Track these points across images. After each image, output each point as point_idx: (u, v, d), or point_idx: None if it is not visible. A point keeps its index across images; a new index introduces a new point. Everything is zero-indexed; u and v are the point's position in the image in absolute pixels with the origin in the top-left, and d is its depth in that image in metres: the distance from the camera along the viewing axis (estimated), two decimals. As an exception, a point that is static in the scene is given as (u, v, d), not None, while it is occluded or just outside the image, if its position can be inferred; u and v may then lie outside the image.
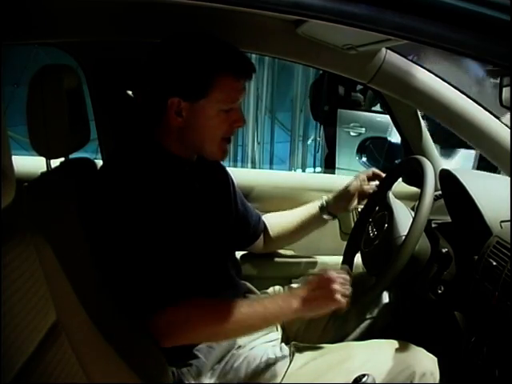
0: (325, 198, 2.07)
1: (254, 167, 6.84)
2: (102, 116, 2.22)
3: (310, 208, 2.10)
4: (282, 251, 2.32)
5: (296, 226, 2.11)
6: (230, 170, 2.03)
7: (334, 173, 5.71)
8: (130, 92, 2.13)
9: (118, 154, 1.75)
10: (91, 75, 2.17)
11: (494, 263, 1.59)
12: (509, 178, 1.95)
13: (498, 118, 2.08)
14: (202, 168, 1.82)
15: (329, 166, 5.92)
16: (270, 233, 2.12)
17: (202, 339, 1.68)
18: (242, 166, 6.72)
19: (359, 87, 5.79)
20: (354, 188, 2.01)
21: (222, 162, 1.97)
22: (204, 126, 1.66)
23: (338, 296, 1.57)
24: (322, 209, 2.06)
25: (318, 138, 7.07)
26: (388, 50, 2.01)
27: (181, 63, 1.62)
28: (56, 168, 1.77)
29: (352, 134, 5.64)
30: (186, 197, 1.69)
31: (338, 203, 2.05)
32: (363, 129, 5.55)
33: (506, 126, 2.06)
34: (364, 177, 2.02)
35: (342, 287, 1.59)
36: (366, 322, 2.03)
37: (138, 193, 1.58)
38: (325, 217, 2.07)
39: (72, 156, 1.81)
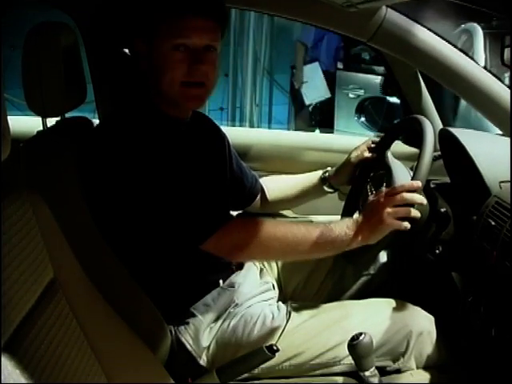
0: (329, 169, 2.03)
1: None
2: (99, 77, 2.20)
3: (312, 177, 2.06)
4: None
5: (295, 192, 2.09)
6: (228, 129, 2.02)
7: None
8: (127, 50, 2.10)
9: (115, 114, 1.74)
10: (87, 34, 2.14)
11: (493, 223, 1.58)
12: (508, 139, 1.94)
13: (499, 78, 2.06)
14: (196, 128, 1.80)
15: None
16: (268, 196, 2.10)
17: (262, 254, 1.66)
18: (239, 128, 6.70)
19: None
20: (355, 159, 1.97)
21: (216, 123, 1.96)
22: (160, 66, 1.63)
23: (390, 220, 1.56)
24: (324, 180, 2.02)
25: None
26: (388, 8, 1.99)
27: (135, 4, 1.68)
28: (52, 127, 1.76)
29: (351, 95, 5.61)
30: (182, 154, 1.66)
31: (339, 176, 2.00)
32: (362, 90, 5.52)
33: (507, 86, 2.04)
34: (364, 147, 1.97)
35: (395, 208, 1.56)
36: (363, 280, 2.04)
37: (135, 149, 1.56)
38: (326, 189, 2.03)
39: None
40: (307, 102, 5.90)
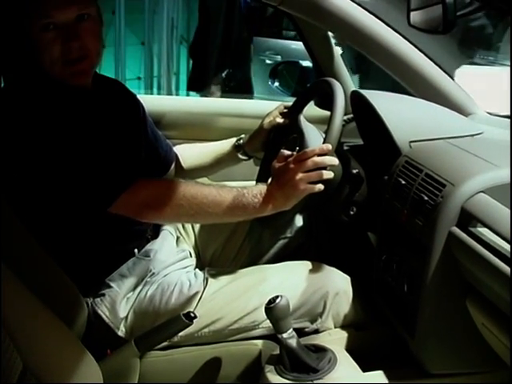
0: (242, 136, 2.02)
1: (169, 98, 6.71)
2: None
3: (226, 145, 2.04)
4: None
5: (210, 160, 2.07)
6: (141, 97, 1.98)
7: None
8: None
9: (10, 87, 1.68)
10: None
11: (403, 182, 1.61)
12: (419, 100, 1.97)
13: (409, 40, 2.08)
14: (104, 96, 1.76)
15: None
16: (183, 164, 2.07)
17: (172, 214, 1.59)
18: (157, 98, 6.59)
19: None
20: (268, 125, 1.96)
21: (131, 89, 1.92)
22: (36, 47, 1.57)
23: (303, 186, 1.56)
24: (238, 148, 2.01)
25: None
26: (298, -28, 1.97)
27: None
28: None
29: (268, 61, 5.61)
30: (83, 121, 1.61)
31: (253, 143, 1.99)
32: (279, 56, 5.52)
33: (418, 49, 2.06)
34: (276, 113, 1.97)
35: (307, 173, 1.56)
36: (280, 243, 2.06)
37: (33, 119, 1.53)
38: (240, 156, 2.02)
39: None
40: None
